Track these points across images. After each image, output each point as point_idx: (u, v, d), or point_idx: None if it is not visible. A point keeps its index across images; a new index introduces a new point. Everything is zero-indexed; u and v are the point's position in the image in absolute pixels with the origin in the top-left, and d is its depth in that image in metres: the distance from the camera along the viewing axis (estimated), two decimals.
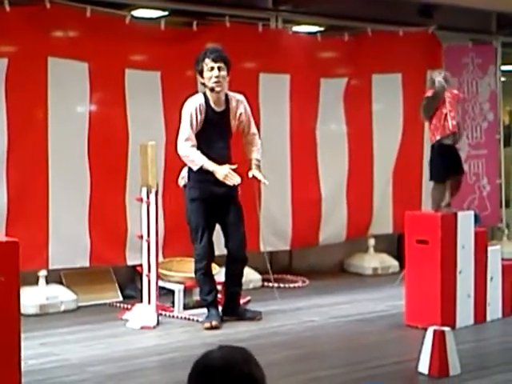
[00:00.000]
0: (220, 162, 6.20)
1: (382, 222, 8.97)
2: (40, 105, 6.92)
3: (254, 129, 6.58)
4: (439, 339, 4.99)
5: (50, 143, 6.95)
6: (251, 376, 2.03)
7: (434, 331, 5.04)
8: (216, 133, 6.28)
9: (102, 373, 5.16)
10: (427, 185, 7.17)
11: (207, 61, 6.26)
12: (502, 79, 10.43)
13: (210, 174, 6.19)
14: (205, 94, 6.34)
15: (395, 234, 8.89)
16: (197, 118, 6.21)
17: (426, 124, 6.70)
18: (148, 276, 6.49)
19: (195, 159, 6.17)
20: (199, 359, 2.08)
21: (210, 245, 6.38)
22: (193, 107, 6.24)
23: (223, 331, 6.22)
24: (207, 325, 6.26)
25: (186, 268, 7.05)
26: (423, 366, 5.04)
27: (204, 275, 6.38)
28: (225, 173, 6.12)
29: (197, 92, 7.58)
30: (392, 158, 8.97)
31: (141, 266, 6.62)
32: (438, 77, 6.43)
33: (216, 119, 6.29)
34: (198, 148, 6.19)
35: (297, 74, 8.33)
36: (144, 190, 6.52)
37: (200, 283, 6.45)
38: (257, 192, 6.64)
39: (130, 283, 7.52)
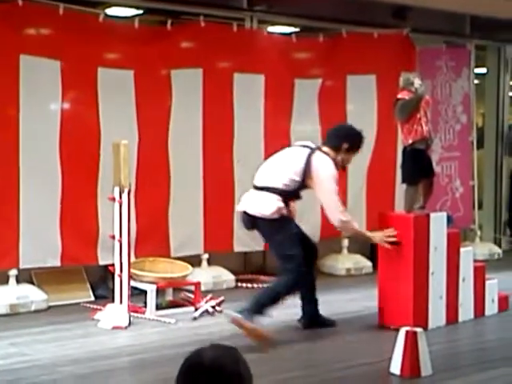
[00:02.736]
0: None
1: (356, 222, 8.96)
2: (11, 103, 6.85)
3: None
4: (411, 340, 5.01)
5: (21, 141, 6.87)
6: (241, 376, 2.06)
7: (407, 332, 5.05)
8: None
9: (73, 373, 5.13)
10: (401, 186, 7.17)
11: (359, 147, 6.25)
12: (476, 82, 10.51)
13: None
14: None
15: None
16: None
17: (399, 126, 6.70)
18: (120, 276, 6.45)
19: (354, 225, 6.24)
20: (190, 356, 2.08)
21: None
22: (335, 174, 6.07)
23: (189, 332, 6.19)
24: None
25: (159, 268, 7.02)
26: (395, 367, 5.06)
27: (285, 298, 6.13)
28: (381, 237, 6.21)
29: (170, 91, 7.59)
30: (366, 159, 8.98)
31: (113, 265, 6.58)
32: (418, 80, 6.41)
33: None
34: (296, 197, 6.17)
35: (271, 74, 8.32)
36: (116, 189, 6.48)
37: (275, 300, 6.04)
38: None
39: (101, 283, 7.47)
